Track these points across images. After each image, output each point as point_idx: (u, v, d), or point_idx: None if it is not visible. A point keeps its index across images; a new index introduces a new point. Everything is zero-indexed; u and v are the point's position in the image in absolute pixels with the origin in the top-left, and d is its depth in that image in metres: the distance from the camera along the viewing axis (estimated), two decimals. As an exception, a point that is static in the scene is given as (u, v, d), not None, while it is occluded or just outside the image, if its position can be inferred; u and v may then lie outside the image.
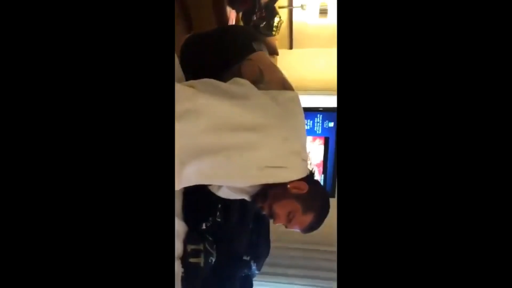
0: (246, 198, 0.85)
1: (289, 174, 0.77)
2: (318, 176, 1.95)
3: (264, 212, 0.81)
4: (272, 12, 2.14)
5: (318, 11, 2.51)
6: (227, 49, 0.91)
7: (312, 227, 0.83)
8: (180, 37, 0.89)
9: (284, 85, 0.87)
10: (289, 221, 0.80)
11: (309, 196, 0.79)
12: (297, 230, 0.83)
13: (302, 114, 0.84)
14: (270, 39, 2.22)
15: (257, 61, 0.89)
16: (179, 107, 0.69)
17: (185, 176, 0.71)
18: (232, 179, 0.76)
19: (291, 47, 2.74)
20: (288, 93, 0.84)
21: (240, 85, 0.79)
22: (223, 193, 0.86)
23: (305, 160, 0.81)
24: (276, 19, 2.17)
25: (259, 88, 0.81)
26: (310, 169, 0.84)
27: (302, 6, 2.49)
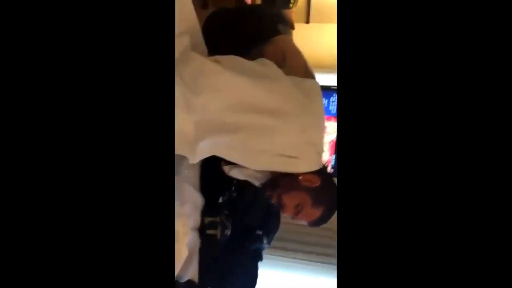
0: (256, 183, 0.84)
1: (302, 166, 0.76)
2: (330, 156, 1.95)
3: (272, 201, 0.81)
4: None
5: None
6: (252, 29, 0.89)
7: (319, 221, 0.83)
8: (197, 12, 0.85)
9: (306, 72, 0.85)
10: (296, 213, 0.80)
11: (320, 190, 0.78)
12: (303, 223, 0.83)
13: (323, 105, 0.83)
14: (286, 12, 2.14)
15: (281, 44, 0.86)
16: (202, 81, 0.68)
17: (199, 150, 0.71)
18: (244, 161, 0.76)
19: (307, 21, 2.65)
20: (310, 82, 0.82)
21: (267, 66, 0.77)
22: (234, 174, 0.86)
23: (320, 153, 0.80)
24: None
25: None
26: (324, 163, 0.83)
27: (322, -22, 2.36)
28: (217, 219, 0.89)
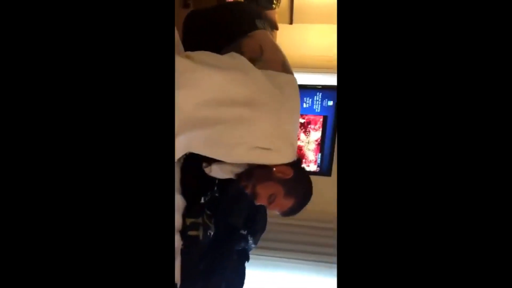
0: (233, 177, 0.85)
1: (276, 157, 0.77)
2: (315, 155, 1.96)
3: (247, 191, 0.82)
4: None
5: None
6: (229, 25, 0.89)
7: (291, 211, 0.84)
8: (178, 11, 0.85)
9: (284, 67, 0.85)
10: (270, 203, 0.81)
11: (292, 181, 0.80)
12: (276, 212, 0.85)
13: (298, 99, 0.83)
14: (269, 12, 2.15)
15: (258, 39, 0.87)
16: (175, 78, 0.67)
17: (176, 147, 0.70)
18: (220, 155, 0.76)
19: (291, 22, 2.67)
20: (286, 76, 0.83)
21: (237, 59, 0.77)
22: (214, 173, 0.86)
23: (294, 145, 0.81)
24: (276, -7, 2.09)
25: (257, 67, 0.79)
26: (297, 156, 0.84)
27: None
28: (199, 220, 0.89)
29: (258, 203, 0.83)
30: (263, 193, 0.80)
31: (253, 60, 0.80)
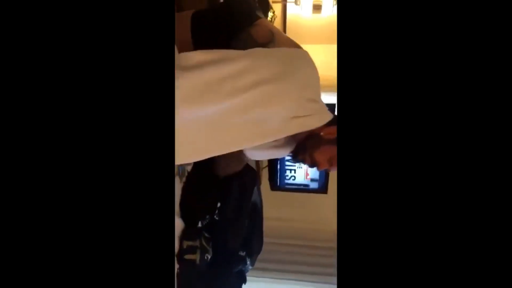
0: (282, 155, 0.87)
1: (316, 121, 0.79)
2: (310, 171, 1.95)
3: (307, 163, 0.85)
4: (266, 7, 2.12)
5: (311, 6, 2.50)
6: (234, 20, 0.91)
7: None
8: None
9: (294, 44, 0.88)
10: (331, 166, 0.84)
11: None
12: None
13: (315, 66, 0.85)
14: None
15: (265, 25, 0.90)
16: (190, 79, 0.69)
17: (210, 146, 0.72)
18: (260, 136, 0.75)
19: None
20: (299, 50, 0.85)
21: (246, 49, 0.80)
22: (252, 155, 0.87)
23: (324, 106, 0.83)
24: (270, 14, 2.16)
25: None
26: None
27: (296, 1, 2.47)
28: (197, 243, 0.87)
29: (321, 169, 0.85)
30: (322, 159, 0.82)
31: (266, 45, 0.84)
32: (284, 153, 0.89)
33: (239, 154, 0.95)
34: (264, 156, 0.89)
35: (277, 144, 0.87)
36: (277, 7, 2.44)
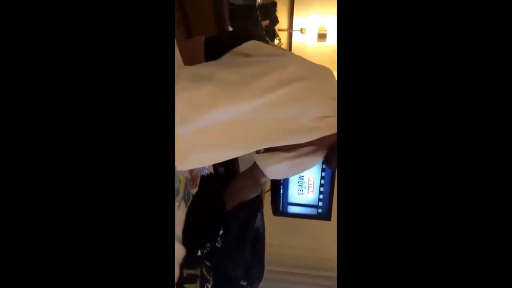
0: (306, 165, 0.84)
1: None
2: (312, 194, 1.92)
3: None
4: (272, 35, 2.19)
5: (316, 35, 2.58)
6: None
7: None
8: (182, 43, 0.90)
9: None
10: None
11: None
12: None
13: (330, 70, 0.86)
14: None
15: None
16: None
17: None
18: (293, 134, 0.75)
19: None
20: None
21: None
22: (275, 171, 0.85)
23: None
24: (276, 41, 2.22)
25: None
26: None
27: (301, 30, 2.55)
28: (197, 271, 0.84)
29: None
30: None
31: None
32: (313, 163, 0.85)
33: (257, 176, 0.92)
34: (289, 170, 0.86)
35: (305, 153, 0.83)
36: (283, 35, 2.51)
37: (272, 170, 0.87)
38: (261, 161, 0.88)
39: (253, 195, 1.00)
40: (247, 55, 0.80)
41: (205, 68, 0.76)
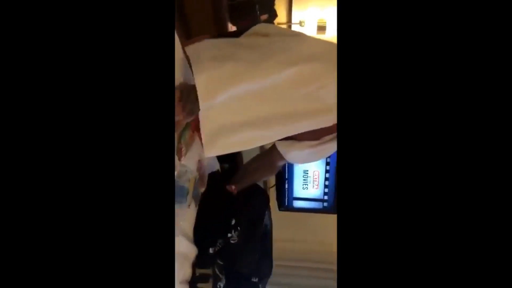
0: (328, 151, 0.82)
1: None
2: (317, 188, 1.92)
3: None
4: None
5: (316, 28, 2.56)
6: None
7: None
8: (183, 43, 0.89)
9: None
10: None
11: None
12: None
13: None
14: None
15: None
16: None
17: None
18: (318, 113, 0.73)
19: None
20: None
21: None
22: (296, 156, 0.83)
23: None
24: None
25: None
26: None
27: (300, 23, 2.53)
28: (210, 271, 0.84)
29: None
30: None
31: None
32: (333, 150, 0.82)
33: (275, 159, 0.90)
34: (310, 156, 0.83)
35: (327, 140, 0.80)
36: (282, 29, 2.49)
37: (293, 155, 0.86)
38: (283, 147, 0.85)
39: (266, 178, 0.99)
40: (264, 34, 0.79)
41: (223, 48, 0.75)
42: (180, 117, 0.73)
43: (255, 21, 1.94)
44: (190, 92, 0.71)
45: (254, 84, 0.69)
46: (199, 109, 0.72)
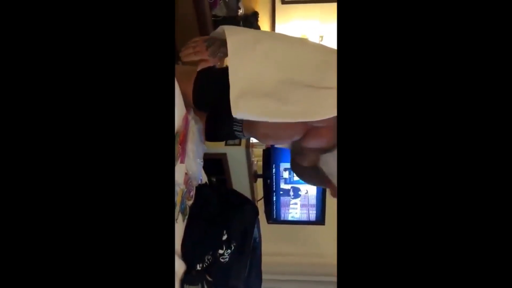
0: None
1: None
2: (307, 202, 1.92)
3: None
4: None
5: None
6: None
7: None
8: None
9: None
10: None
11: None
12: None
13: None
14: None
15: None
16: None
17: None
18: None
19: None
20: None
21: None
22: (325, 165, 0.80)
23: None
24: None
25: None
26: None
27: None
28: (198, 287, 0.82)
29: None
30: None
31: None
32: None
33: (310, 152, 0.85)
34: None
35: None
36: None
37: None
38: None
39: (286, 145, 0.93)
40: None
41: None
42: (203, 56, 0.78)
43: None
44: (217, 40, 0.79)
45: (276, 42, 0.75)
46: (225, 55, 0.76)
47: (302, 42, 0.79)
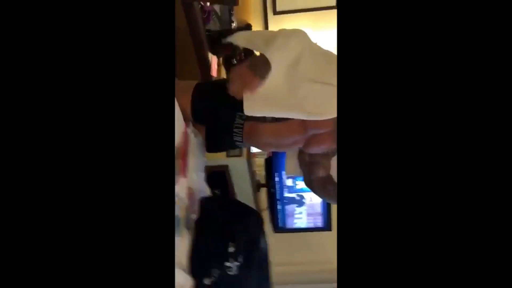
0: None
1: None
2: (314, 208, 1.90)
3: None
4: (249, 55, 2.24)
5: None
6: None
7: None
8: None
9: None
10: None
11: None
12: None
13: None
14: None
15: None
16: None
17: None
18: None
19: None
20: None
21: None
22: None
23: None
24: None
25: None
26: None
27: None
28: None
29: None
30: None
31: None
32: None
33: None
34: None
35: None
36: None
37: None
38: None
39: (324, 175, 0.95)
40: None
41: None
42: (255, 85, 0.80)
43: (236, 49, 1.99)
44: (259, 61, 0.82)
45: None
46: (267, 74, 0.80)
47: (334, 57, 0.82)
